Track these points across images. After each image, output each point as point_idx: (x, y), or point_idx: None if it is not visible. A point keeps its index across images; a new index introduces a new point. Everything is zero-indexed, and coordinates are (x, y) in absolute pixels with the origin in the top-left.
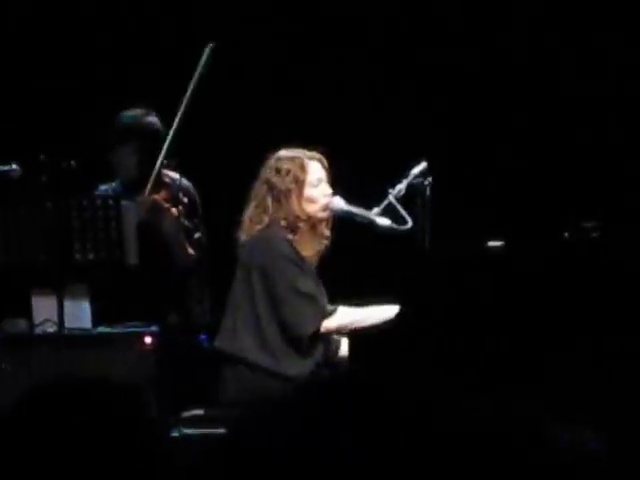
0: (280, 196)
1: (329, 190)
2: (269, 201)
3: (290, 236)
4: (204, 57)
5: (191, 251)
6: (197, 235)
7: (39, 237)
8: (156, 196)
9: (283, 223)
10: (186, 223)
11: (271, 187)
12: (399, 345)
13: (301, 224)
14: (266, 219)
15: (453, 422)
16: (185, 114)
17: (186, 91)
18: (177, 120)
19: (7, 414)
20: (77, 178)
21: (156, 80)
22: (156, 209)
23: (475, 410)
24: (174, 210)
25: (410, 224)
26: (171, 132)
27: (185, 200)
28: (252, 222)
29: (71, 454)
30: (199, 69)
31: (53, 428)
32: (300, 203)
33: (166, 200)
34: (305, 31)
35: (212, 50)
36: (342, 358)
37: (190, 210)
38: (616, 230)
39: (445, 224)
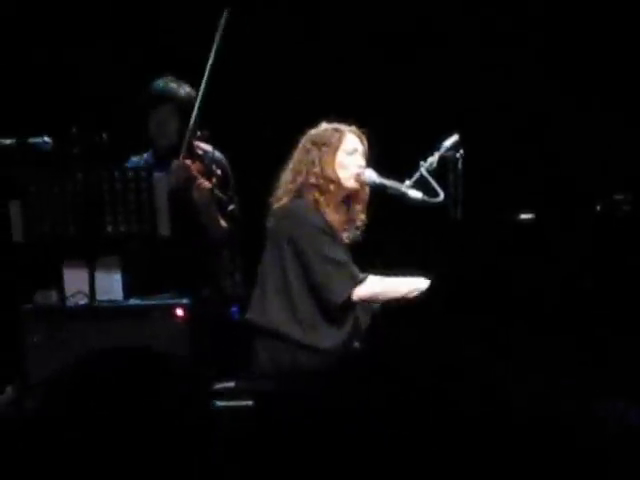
0: (315, 159)
1: (363, 162)
2: (304, 165)
3: (320, 198)
4: (222, 23)
5: (223, 223)
6: (230, 207)
7: (71, 209)
8: (190, 166)
9: (313, 181)
10: (219, 195)
11: (307, 152)
12: (431, 316)
13: (331, 187)
14: (299, 180)
15: (495, 393)
16: (211, 81)
17: (208, 58)
18: (203, 86)
19: (53, 381)
20: (109, 150)
21: (182, 50)
22: (189, 178)
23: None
24: (207, 182)
25: (442, 197)
26: (198, 99)
27: (218, 172)
28: (285, 186)
29: (118, 425)
30: (218, 35)
31: (99, 396)
32: (333, 166)
33: (199, 172)
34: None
35: (229, 15)
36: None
37: (223, 182)
38: None
39: (477, 196)
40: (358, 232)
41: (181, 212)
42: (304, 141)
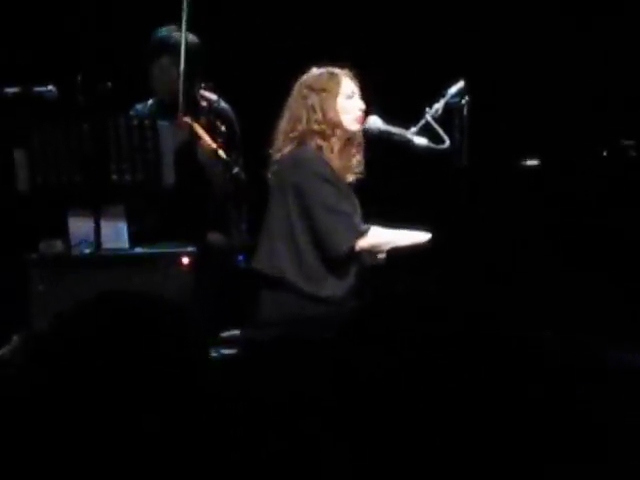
0: (315, 105)
1: (362, 105)
2: (303, 112)
3: (323, 144)
4: None
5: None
6: (235, 170)
7: (75, 158)
8: (193, 123)
9: (316, 127)
10: (223, 157)
11: (305, 98)
12: (434, 264)
13: (336, 132)
14: (300, 128)
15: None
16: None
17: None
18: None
19: (53, 328)
20: (113, 99)
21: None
22: (193, 139)
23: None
24: (211, 143)
25: (447, 143)
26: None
27: (222, 128)
28: (285, 135)
29: (118, 370)
30: None
31: (99, 343)
32: (335, 110)
33: (203, 127)
34: None
35: None
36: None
37: (228, 139)
38: None
39: (482, 143)
40: (359, 174)
41: (185, 166)
42: (299, 88)
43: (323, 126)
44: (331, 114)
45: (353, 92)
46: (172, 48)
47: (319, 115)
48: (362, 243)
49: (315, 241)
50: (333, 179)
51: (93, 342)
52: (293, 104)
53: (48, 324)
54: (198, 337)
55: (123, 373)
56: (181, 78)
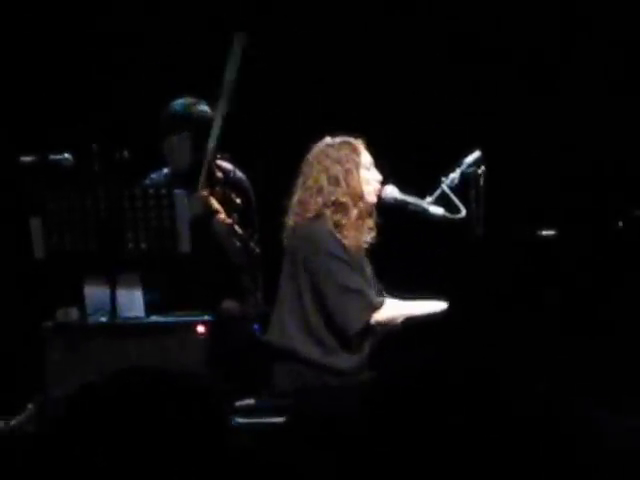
0: (339, 176)
1: (380, 176)
2: (324, 182)
3: (342, 218)
4: (235, 46)
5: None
6: (251, 245)
7: (91, 226)
8: (209, 197)
9: (341, 199)
10: (239, 232)
11: (326, 170)
12: (452, 334)
13: (358, 204)
14: (320, 200)
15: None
16: (227, 105)
17: (223, 80)
18: (219, 110)
19: (76, 401)
20: (129, 167)
21: (203, 71)
22: (209, 212)
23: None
24: (227, 219)
25: (464, 213)
26: (217, 122)
27: (238, 201)
28: (303, 206)
29: (133, 442)
30: (232, 57)
31: (116, 418)
32: (358, 182)
33: (219, 200)
34: (351, 12)
35: (242, 39)
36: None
37: (244, 213)
38: None
39: (498, 213)
40: (371, 240)
41: (201, 236)
42: (317, 158)
43: (346, 198)
44: (354, 185)
45: (371, 163)
46: (190, 123)
47: (343, 187)
48: (377, 317)
49: (327, 318)
50: (344, 256)
51: (111, 419)
52: (312, 174)
53: (69, 395)
54: (218, 407)
55: (141, 447)
56: (208, 156)
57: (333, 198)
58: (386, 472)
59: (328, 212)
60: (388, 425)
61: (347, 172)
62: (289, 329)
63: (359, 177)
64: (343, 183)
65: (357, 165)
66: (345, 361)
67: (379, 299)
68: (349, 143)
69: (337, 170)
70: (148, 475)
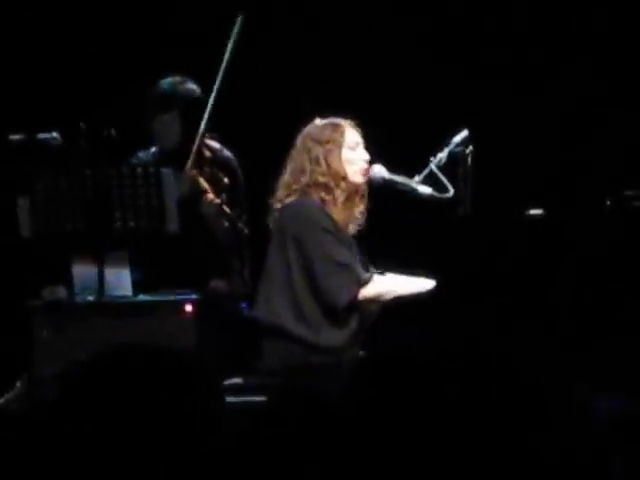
0: (319, 156)
1: (367, 155)
2: (307, 164)
3: (327, 197)
4: (235, 28)
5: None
6: (239, 225)
7: (79, 205)
8: (198, 176)
9: (321, 179)
10: (227, 212)
11: (309, 150)
12: (438, 314)
13: (340, 184)
14: (303, 180)
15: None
16: (222, 85)
17: (221, 61)
18: (215, 91)
19: (63, 377)
20: (117, 146)
21: (192, 50)
22: (198, 192)
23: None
24: (215, 198)
25: (451, 192)
26: (210, 102)
27: (226, 180)
28: (288, 187)
29: (127, 419)
30: (232, 40)
31: (111, 394)
32: (339, 162)
33: (207, 180)
34: None
35: (243, 21)
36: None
37: (231, 192)
38: None
39: (486, 192)
40: (360, 226)
41: (188, 215)
42: (303, 140)
43: (327, 178)
44: (335, 166)
45: (357, 143)
46: (178, 102)
47: (323, 167)
48: (365, 292)
49: (314, 292)
50: (334, 230)
51: (105, 396)
52: (296, 156)
53: (58, 373)
54: (210, 386)
55: (135, 424)
56: (199, 137)
57: (316, 179)
58: (373, 450)
59: (312, 192)
60: (376, 403)
61: (328, 152)
62: (277, 305)
63: (340, 157)
64: (323, 163)
65: (339, 145)
66: (331, 337)
67: (367, 274)
68: (333, 123)
69: (318, 151)
70: (139, 454)
